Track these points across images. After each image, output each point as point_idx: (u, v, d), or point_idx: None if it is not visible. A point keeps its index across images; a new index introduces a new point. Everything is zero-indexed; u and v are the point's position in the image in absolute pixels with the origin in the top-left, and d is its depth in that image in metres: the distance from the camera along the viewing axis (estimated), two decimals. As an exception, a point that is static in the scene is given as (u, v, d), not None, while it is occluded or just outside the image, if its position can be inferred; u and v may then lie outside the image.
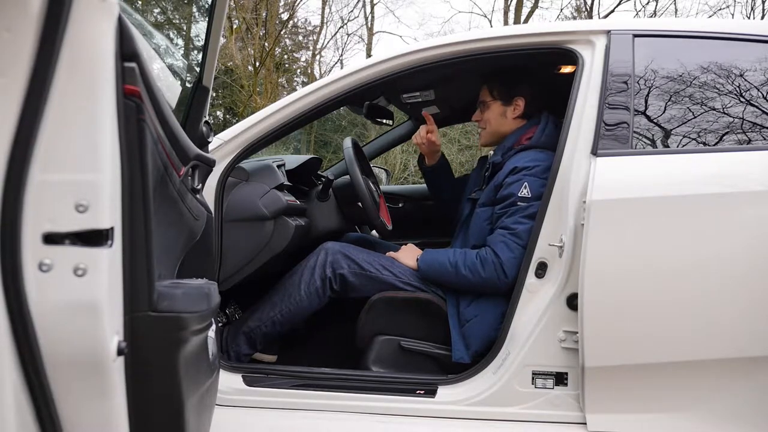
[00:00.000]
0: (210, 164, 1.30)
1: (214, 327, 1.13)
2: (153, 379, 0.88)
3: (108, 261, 0.72)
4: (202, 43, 1.24)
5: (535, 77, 1.79)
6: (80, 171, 0.69)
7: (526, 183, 1.56)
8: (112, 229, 0.72)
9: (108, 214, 0.71)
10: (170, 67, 1.32)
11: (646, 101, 1.48)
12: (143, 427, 0.86)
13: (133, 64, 0.77)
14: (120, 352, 0.75)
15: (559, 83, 1.76)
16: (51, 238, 0.68)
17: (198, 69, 1.25)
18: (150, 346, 0.85)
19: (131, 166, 0.79)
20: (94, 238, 0.70)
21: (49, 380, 0.70)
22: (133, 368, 0.82)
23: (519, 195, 1.56)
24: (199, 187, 1.24)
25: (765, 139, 1.41)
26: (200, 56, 1.25)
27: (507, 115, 1.79)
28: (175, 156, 1.02)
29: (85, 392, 0.73)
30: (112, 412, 0.76)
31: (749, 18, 12.74)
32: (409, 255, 1.77)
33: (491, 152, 1.85)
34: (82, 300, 0.70)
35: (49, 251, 0.68)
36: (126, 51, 0.77)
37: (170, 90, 1.11)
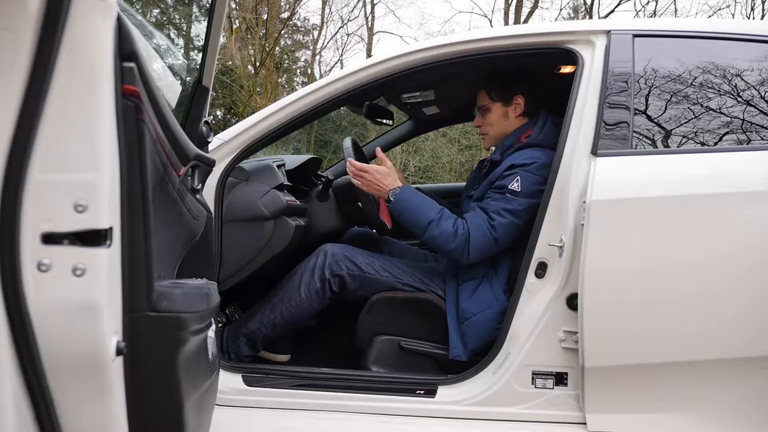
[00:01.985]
0: (210, 164, 1.30)
1: (214, 327, 1.13)
2: (152, 379, 0.87)
3: (107, 261, 0.72)
4: (202, 43, 1.24)
5: (531, 74, 1.79)
6: (79, 171, 0.69)
7: (518, 177, 1.57)
8: (111, 229, 0.72)
9: (107, 214, 0.71)
10: (170, 67, 1.31)
11: (646, 101, 1.47)
12: (142, 428, 0.86)
13: (132, 64, 0.77)
14: (119, 352, 0.74)
15: (559, 83, 1.75)
16: (50, 238, 0.68)
17: (198, 69, 1.25)
18: (149, 346, 0.85)
19: (130, 166, 0.79)
20: (93, 238, 0.70)
21: (48, 380, 0.70)
22: (133, 368, 0.82)
23: (509, 187, 1.57)
24: (198, 187, 1.24)
25: (765, 139, 1.41)
26: (200, 56, 1.25)
27: (509, 115, 1.78)
28: (175, 156, 1.02)
29: (84, 392, 0.73)
30: (112, 413, 0.76)
31: (749, 18, 12.74)
32: (392, 178, 1.70)
33: (492, 149, 1.85)
34: (80, 300, 0.69)
35: (47, 251, 0.68)
36: (125, 51, 0.76)
37: (170, 90, 1.11)
